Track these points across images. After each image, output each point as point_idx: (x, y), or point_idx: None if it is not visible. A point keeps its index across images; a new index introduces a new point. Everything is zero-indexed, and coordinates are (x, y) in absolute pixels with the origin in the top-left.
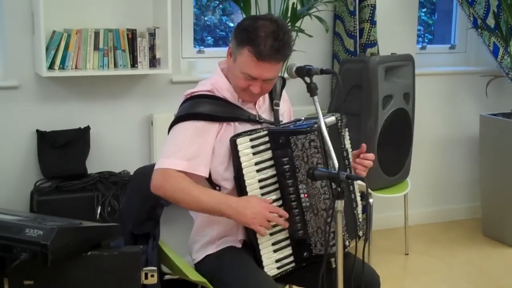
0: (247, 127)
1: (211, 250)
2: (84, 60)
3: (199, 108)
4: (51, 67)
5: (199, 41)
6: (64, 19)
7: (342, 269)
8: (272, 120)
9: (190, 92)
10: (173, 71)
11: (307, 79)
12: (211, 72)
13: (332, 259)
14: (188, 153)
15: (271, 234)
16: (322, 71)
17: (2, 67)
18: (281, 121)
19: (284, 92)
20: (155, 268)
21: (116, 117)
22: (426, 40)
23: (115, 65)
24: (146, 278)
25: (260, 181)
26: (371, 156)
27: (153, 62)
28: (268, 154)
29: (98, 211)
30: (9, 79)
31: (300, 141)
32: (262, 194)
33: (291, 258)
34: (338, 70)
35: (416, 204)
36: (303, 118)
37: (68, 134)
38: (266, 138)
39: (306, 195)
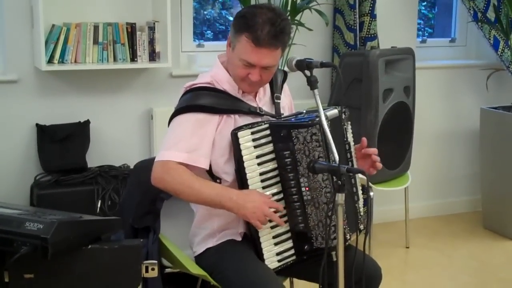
0: (248, 119)
1: (212, 243)
2: (83, 54)
3: (200, 100)
4: (50, 61)
5: (198, 35)
6: (63, 13)
7: (343, 262)
8: (273, 113)
9: (190, 84)
10: (172, 65)
11: (307, 73)
12: (211, 66)
13: (333, 252)
14: (189, 145)
15: (272, 227)
16: (322, 64)
17: (1, 61)
18: (282, 114)
19: (285, 86)
20: (156, 261)
21: (116, 111)
22: (426, 34)
23: (115, 59)
24: (146, 271)
25: (261, 174)
26: (373, 150)
27: (153, 56)
28: (270, 147)
29: (98, 205)
30: (9, 73)
31: (302, 134)
32: (263, 188)
33: (292, 251)
34: (338, 64)
35: (417, 198)
36: (304, 111)
37: (68, 128)
38: (268, 131)
39: (307, 188)
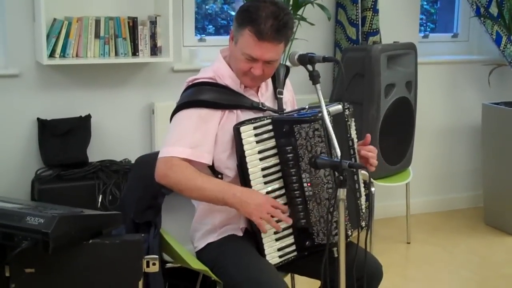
0: (250, 115)
1: (213, 238)
2: (85, 48)
3: (202, 95)
4: (51, 55)
5: (200, 29)
6: (65, 7)
7: (345, 258)
8: (276, 108)
9: (192, 79)
10: (174, 59)
11: (310, 67)
12: (212, 60)
13: (334, 249)
14: (192, 141)
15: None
16: (324, 59)
17: (2, 55)
18: (285, 110)
19: (287, 81)
20: (157, 256)
21: (117, 106)
22: (428, 29)
23: (116, 53)
24: (147, 266)
25: (263, 169)
26: (373, 149)
27: (154, 50)
28: (272, 142)
29: (99, 200)
30: (10, 67)
31: (304, 130)
32: (265, 183)
33: (293, 247)
34: (340, 59)
35: (418, 193)
36: (307, 106)
37: (69, 122)
38: (270, 127)
39: (309, 184)
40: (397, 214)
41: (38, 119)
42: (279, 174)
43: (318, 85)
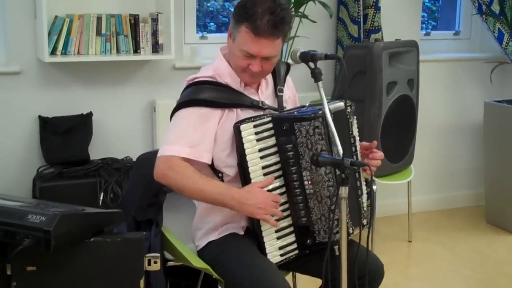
0: (250, 113)
1: (214, 236)
2: (86, 46)
3: (202, 94)
4: (53, 52)
5: (201, 27)
6: (66, 4)
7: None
8: (276, 106)
9: (192, 78)
10: (175, 57)
11: (312, 65)
12: (214, 58)
13: (336, 247)
14: (192, 140)
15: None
16: (326, 57)
17: (4, 52)
18: (285, 107)
19: (288, 78)
20: (158, 254)
21: (118, 103)
22: (430, 27)
23: (118, 51)
24: (149, 264)
25: (263, 167)
26: (380, 155)
27: (156, 47)
28: (272, 140)
29: (101, 198)
30: (11, 65)
31: (304, 127)
32: None
33: (294, 245)
34: (342, 56)
35: (420, 191)
36: (307, 104)
37: (71, 120)
38: (270, 125)
39: (310, 182)
40: (398, 212)
41: (39, 116)
42: (280, 172)
43: (320, 83)
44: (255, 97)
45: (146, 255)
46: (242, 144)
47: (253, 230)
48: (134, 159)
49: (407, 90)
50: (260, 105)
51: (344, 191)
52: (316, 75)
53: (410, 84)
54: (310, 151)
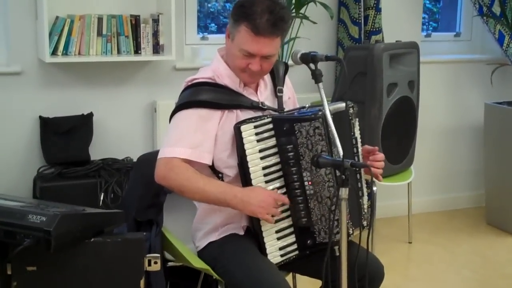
0: (249, 114)
1: (214, 237)
2: (87, 46)
3: (201, 95)
4: (54, 53)
5: (202, 28)
6: (67, 5)
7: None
8: (275, 106)
9: (191, 79)
10: (176, 57)
11: (312, 66)
12: (212, 59)
13: (336, 247)
14: (192, 141)
15: (274, 222)
16: (327, 58)
17: (5, 52)
18: (284, 108)
19: (287, 78)
20: (158, 255)
21: (119, 104)
22: (431, 28)
23: (118, 51)
24: (149, 264)
25: (264, 168)
26: (381, 157)
27: (157, 48)
28: (272, 141)
29: (101, 198)
30: (12, 65)
31: (305, 128)
32: (266, 182)
33: (295, 246)
34: (342, 57)
35: (420, 193)
36: (307, 105)
37: (71, 120)
38: (270, 126)
39: (310, 182)
40: (398, 213)
41: (40, 117)
42: (280, 173)
43: (320, 84)
44: (254, 98)
45: (147, 255)
46: (243, 144)
47: (254, 230)
48: (135, 160)
49: (407, 92)
50: (260, 105)
51: (344, 192)
52: (316, 76)
53: (410, 85)
54: (310, 151)
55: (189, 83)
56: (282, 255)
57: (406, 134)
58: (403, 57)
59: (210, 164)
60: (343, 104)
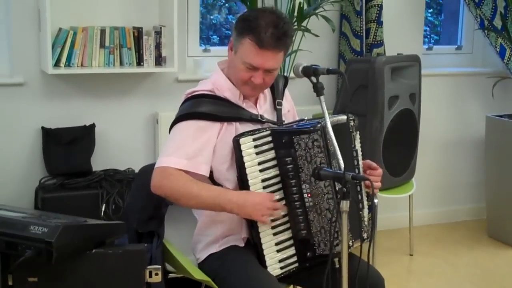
0: (249, 127)
1: (214, 249)
2: (90, 58)
3: (201, 107)
4: (57, 64)
5: (205, 39)
6: (70, 17)
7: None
8: (274, 119)
9: (191, 92)
10: (178, 69)
11: (314, 79)
12: (212, 72)
13: (336, 259)
14: (189, 152)
15: (274, 234)
16: (328, 71)
17: (8, 64)
18: (284, 121)
19: (286, 92)
20: (160, 266)
21: (121, 115)
22: (433, 41)
23: (121, 63)
24: (150, 276)
25: (263, 181)
26: (379, 172)
27: (159, 60)
28: (271, 154)
29: (103, 209)
30: (15, 76)
31: (303, 140)
32: None
33: (295, 258)
34: (344, 70)
35: (421, 205)
36: (306, 118)
37: (74, 131)
38: (269, 138)
39: (309, 194)
40: (400, 225)
41: (42, 127)
42: (279, 185)
43: (322, 97)
44: (253, 111)
45: (148, 267)
46: (242, 157)
47: (253, 242)
48: (136, 171)
49: (409, 104)
50: (259, 118)
51: (345, 205)
52: (318, 89)
53: (412, 98)
54: (309, 164)
55: (189, 95)
56: (282, 268)
57: (407, 147)
58: (405, 70)
59: (207, 175)
60: (344, 117)
